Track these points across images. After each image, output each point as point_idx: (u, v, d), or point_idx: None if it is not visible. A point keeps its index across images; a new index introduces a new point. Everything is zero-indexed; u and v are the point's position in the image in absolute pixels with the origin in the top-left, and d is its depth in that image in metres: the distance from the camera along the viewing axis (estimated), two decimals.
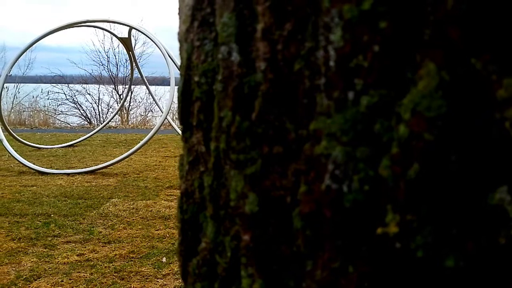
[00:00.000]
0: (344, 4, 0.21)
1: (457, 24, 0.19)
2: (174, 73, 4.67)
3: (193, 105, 0.31)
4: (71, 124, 9.91)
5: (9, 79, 4.87)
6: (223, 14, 0.26)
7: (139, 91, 10.56)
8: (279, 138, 0.24)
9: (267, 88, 0.25)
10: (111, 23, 6.52)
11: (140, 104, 10.82)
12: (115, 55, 11.27)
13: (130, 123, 9.68)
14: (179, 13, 0.33)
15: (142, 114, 10.49)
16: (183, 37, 0.32)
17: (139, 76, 6.91)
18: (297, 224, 0.23)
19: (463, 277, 0.19)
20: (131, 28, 5.41)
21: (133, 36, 6.07)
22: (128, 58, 6.39)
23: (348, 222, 0.22)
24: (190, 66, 0.31)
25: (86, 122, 10.41)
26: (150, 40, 10.20)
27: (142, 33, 4.97)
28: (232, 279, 0.26)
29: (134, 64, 6.38)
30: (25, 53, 4.88)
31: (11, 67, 4.91)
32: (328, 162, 0.22)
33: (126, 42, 5.93)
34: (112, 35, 7.93)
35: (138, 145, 4.33)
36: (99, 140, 6.35)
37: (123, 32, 6.88)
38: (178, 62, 4.48)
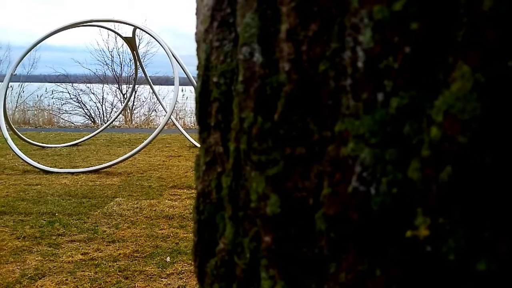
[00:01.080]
0: (374, 5, 0.21)
1: (494, 26, 0.18)
2: (178, 73, 4.68)
3: (211, 105, 0.30)
4: (75, 123, 9.95)
5: (13, 78, 4.89)
6: (246, 15, 0.26)
7: (143, 90, 10.58)
8: (302, 139, 0.24)
9: (291, 89, 0.24)
10: (115, 23, 6.54)
11: (144, 104, 10.85)
12: (119, 55, 11.31)
13: (133, 122, 9.70)
14: (196, 14, 0.33)
15: (146, 113, 10.51)
16: (202, 38, 0.32)
17: (143, 75, 6.92)
18: (321, 226, 0.23)
19: (495, 281, 0.18)
20: (135, 27, 5.42)
21: (137, 35, 6.08)
22: (132, 58, 6.41)
23: (376, 225, 0.21)
24: (208, 67, 0.31)
25: (90, 121, 10.45)
26: (153, 40, 10.22)
27: (147, 32, 4.98)
28: (250, 281, 0.26)
29: (138, 64, 6.39)
30: (29, 52, 4.90)
31: (16, 66, 4.93)
32: (355, 164, 0.22)
33: (131, 42, 5.94)
34: (116, 35, 7.95)
35: (142, 144, 4.34)
36: (103, 140, 6.37)
37: (127, 32, 6.89)
38: (182, 62, 4.49)
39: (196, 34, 0.33)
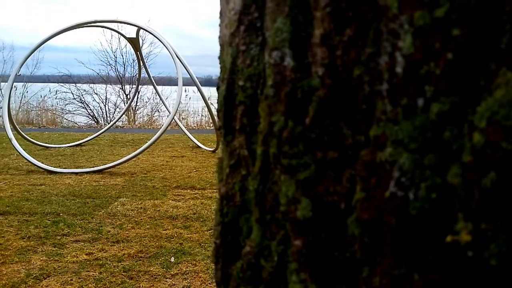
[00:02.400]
0: (415, 11, 0.21)
1: None
2: (182, 73, 4.68)
3: (236, 109, 0.30)
4: (79, 124, 9.97)
5: (17, 78, 4.91)
6: (277, 20, 0.26)
7: (146, 91, 10.61)
8: (334, 144, 0.24)
9: (325, 94, 0.24)
10: (118, 23, 6.55)
11: (147, 104, 10.87)
12: (122, 55, 11.34)
13: (137, 123, 9.72)
14: (221, 17, 0.33)
15: (149, 114, 10.53)
16: (227, 41, 0.32)
17: (146, 76, 6.93)
18: (354, 230, 0.23)
19: None
20: (139, 28, 5.43)
21: (140, 36, 6.09)
22: (136, 58, 6.42)
23: (414, 230, 0.21)
24: (234, 70, 0.31)
25: (93, 122, 10.48)
26: (157, 41, 10.22)
27: (151, 33, 4.99)
28: (277, 284, 0.26)
29: (142, 64, 6.40)
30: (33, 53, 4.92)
31: (20, 67, 4.95)
32: (393, 169, 0.22)
33: (134, 42, 5.95)
34: (120, 35, 7.98)
35: (146, 144, 4.34)
36: (107, 140, 6.39)
37: (130, 32, 6.91)
38: (186, 62, 4.50)
39: (220, 37, 0.33)
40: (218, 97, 0.33)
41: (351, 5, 0.23)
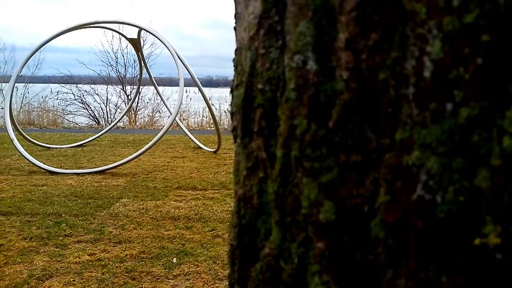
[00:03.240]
0: (444, 17, 0.21)
1: None
2: (183, 74, 4.69)
3: (255, 111, 0.31)
4: (80, 124, 9.98)
5: (18, 79, 4.91)
6: (299, 23, 0.26)
7: (147, 91, 10.62)
8: (358, 147, 0.24)
9: (350, 97, 0.25)
10: (120, 24, 6.56)
11: (148, 105, 10.88)
12: (123, 56, 11.35)
13: (137, 123, 9.73)
14: (238, 21, 0.33)
15: (150, 114, 10.54)
16: (246, 45, 0.32)
17: (147, 76, 6.94)
18: (378, 233, 0.23)
19: None
20: (140, 29, 5.43)
21: (141, 37, 6.10)
22: (137, 59, 6.43)
23: (441, 232, 0.21)
24: (253, 74, 0.31)
25: (94, 122, 10.49)
26: (157, 41, 10.22)
27: (152, 34, 4.99)
28: (297, 285, 0.26)
29: (143, 65, 6.41)
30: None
31: (22, 68, 4.95)
32: (420, 172, 0.22)
33: (136, 43, 5.96)
34: (121, 36, 7.99)
35: (148, 145, 4.35)
36: (108, 140, 6.39)
37: (131, 33, 6.92)
38: (187, 63, 4.50)
39: (237, 41, 0.33)
40: (234, 100, 0.33)
41: (377, 9, 0.23)
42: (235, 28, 0.35)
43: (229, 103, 0.36)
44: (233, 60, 0.35)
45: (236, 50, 0.34)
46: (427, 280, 0.21)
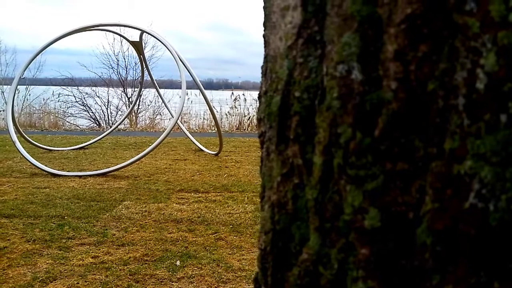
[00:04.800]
0: (498, 31, 0.22)
1: None
2: (185, 76, 4.70)
3: (291, 119, 0.31)
4: (81, 127, 9.99)
5: (20, 81, 4.92)
6: (344, 34, 0.27)
7: (148, 94, 10.64)
8: (404, 155, 0.25)
9: (398, 107, 0.25)
10: (121, 27, 6.58)
11: (149, 107, 10.90)
12: (124, 58, 11.37)
13: (138, 126, 9.74)
14: (272, 30, 0.34)
15: (151, 117, 10.55)
16: (283, 54, 0.32)
17: (148, 79, 6.95)
18: (425, 239, 0.24)
19: None
20: (142, 32, 5.45)
21: (142, 39, 6.11)
22: (139, 62, 6.44)
23: (493, 239, 0.22)
24: (290, 82, 0.31)
25: (95, 125, 10.50)
26: (158, 44, 10.23)
27: (154, 37, 5.00)
28: None
29: (144, 67, 6.42)
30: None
31: (24, 70, 4.96)
32: (473, 181, 0.23)
33: (137, 46, 5.97)
34: (122, 38, 8.00)
35: (150, 147, 4.35)
36: (109, 143, 6.40)
37: (133, 35, 6.95)
38: (189, 66, 4.50)
39: (271, 49, 0.34)
40: (263, 106, 0.34)
41: (427, 22, 0.24)
42: (264, 36, 0.35)
43: (256, 110, 0.36)
44: (262, 67, 0.35)
45: (266, 58, 0.35)
46: (478, 285, 0.22)
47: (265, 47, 0.36)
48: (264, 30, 0.36)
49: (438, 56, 0.24)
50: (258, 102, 0.36)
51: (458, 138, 0.23)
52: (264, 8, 0.36)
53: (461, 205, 0.23)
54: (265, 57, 0.36)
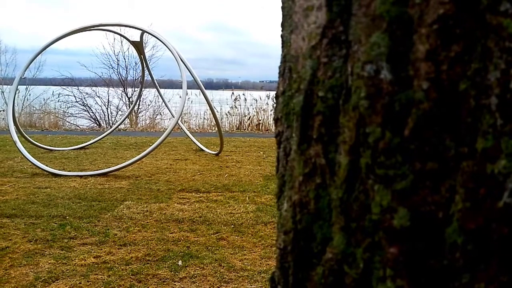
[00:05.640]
0: None
1: None
2: (186, 76, 4.70)
3: (314, 119, 0.31)
4: (81, 126, 9.99)
5: (20, 81, 4.91)
6: (372, 34, 0.27)
7: (148, 94, 10.63)
8: (434, 155, 0.25)
9: (430, 107, 0.25)
10: (122, 27, 6.58)
11: (149, 107, 10.90)
12: (124, 58, 11.37)
13: (139, 125, 9.73)
14: (294, 30, 0.34)
15: (151, 117, 10.55)
16: (306, 54, 0.32)
17: (149, 79, 6.95)
18: (456, 238, 0.24)
19: None
20: (143, 32, 5.45)
21: (143, 39, 6.11)
22: (140, 61, 6.44)
23: None
24: (313, 82, 0.31)
25: (96, 125, 10.50)
26: (158, 44, 10.21)
27: (155, 36, 5.00)
28: None
29: (145, 68, 6.42)
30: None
31: (25, 70, 4.96)
32: (507, 181, 0.23)
33: (138, 46, 5.97)
34: (123, 38, 8.00)
35: (151, 147, 4.35)
36: (110, 143, 6.39)
37: (133, 35, 6.95)
38: (190, 66, 4.50)
39: (292, 49, 0.34)
40: (288, 107, 0.34)
41: (459, 23, 0.24)
42: (282, 36, 0.35)
43: (272, 110, 0.36)
44: (279, 67, 0.35)
45: (285, 58, 0.35)
46: (510, 284, 0.22)
47: (282, 47, 0.36)
48: (282, 30, 0.36)
49: (470, 56, 0.24)
50: (275, 102, 0.36)
51: (491, 137, 0.23)
52: (283, 8, 0.36)
53: (494, 205, 0.23)
54: (283, 57, 0.36)
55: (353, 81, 0.28)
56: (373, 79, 0.27)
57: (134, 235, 2.75)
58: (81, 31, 5.02)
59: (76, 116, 10.87)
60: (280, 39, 0.36)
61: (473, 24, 0.24)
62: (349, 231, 0.28)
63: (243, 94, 9.91)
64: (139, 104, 10.23)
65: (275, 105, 0.36)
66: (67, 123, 10.32)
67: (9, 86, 4.99)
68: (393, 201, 0.26)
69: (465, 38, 0.24)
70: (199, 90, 5.28)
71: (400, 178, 0.26)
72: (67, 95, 10.90)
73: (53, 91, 10.73)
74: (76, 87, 11.07)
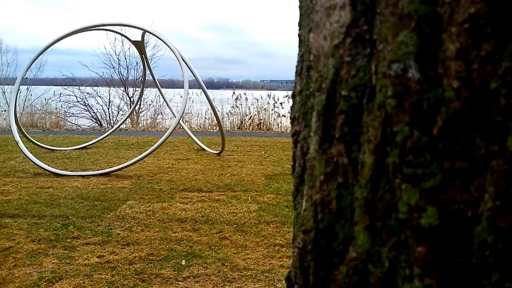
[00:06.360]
0: None
1: None
2: (188, 76, 4.70)
3: (336, 118, 0.31)
4: (82, 126, 10.00)
5: (22, 81, 4.92)
6: (399, 33, 0.27)
7: (149, 93, 10.64)
8: (464, 153, 0.25)
9: (460, 105, 0.25)
10: (123, 27, 6.58)
11: (150, 107, 10.90)
12: (125, 58, 11.37)
13: (140, 125, 9.74)
14: (315, 30, 0.34)
15: (152, 116, 10.55)
16: (328, 53, 0.32)
17: (150, 79, 6.95)
18: (485, 237, 0.24)
19: None
20: (144, 31, 5.45)
21: (144, 39, 6.11)
22: (141, 61, 6.44)
23: None
24: (336, 81, 0.31)
25: (97, 124, 10.51)
26: (160, 44, 10.21)
27: (157, 36, 5.00)
28: None
29: (147, 67, 6.42)
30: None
31: (27, 70, 4.96)
32: None
33: (140, 46, 5.97)
34: (124, 38, 8.01)
35: (153, 147, 4.35)
36: (111, 143, 6.40)
37: (134, 35, 6.96)
38: (192, 65, 4.50)
39: (313, 48, 0.34)
40: (314, 106, 0.34)
41: (490, 22, 0.24)
42: (299, 35, 0.35)
43: (288, 110, 0.36)
44: (296, 66, 0.35)
45: (302, 57, 0.35)
46: None
47: (299, 46, 0.36)
48: (299, 30, 0.36)
49: (501, 55, 0.24)
50: (291, 101, 0.36)
51: None
52: (300, 7, 0.36)
53: None
54: (301, 56, 0.36)
55: (377, 80, 0.28)
56: (400, 78, 0.27)
57: (137, 235, 2.76)
58: (84, 31, 5.02)
59: (77, 116, 10.88)
60: (298, 38, 0.36)
61: (504, 23, 0.24)
62: (374, 230, 0.28)
63: (244, 94, 9.90)
64: (140, 104, 10.23)
65: (291, 104, 0.36)
66: (69, 123, 10.33)
67: (10, 86, 5.00)
68: (421, 200, 0.26)
69: (496, 37, 0.24)
70: (200, 90, 5.29)
71: (429, 177, 0.26)
72: (68, 95, 10.91)
73: (54, 91, 10.74)
74: (77, 87, 11.08)
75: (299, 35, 0.36)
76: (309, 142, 0.34)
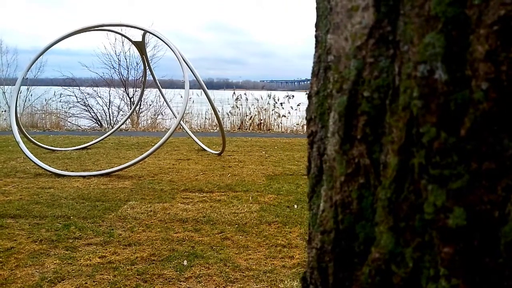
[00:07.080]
0: None
1: None
2: (188, 76, 4.69)
3: (358, 119, 0.31)
4: (82, 127, 9.99)
5: (22, 82, 4.91)
6: (426, 35, 0.27)
7: (149, 94, 10.63)
8: (491, 154, 0.25)
9: (489, 107, 0.25)
10: (123, 27, 6.59)
11: (150, 107, 10.90)
12: (126, 58, 11.37)
13: (140, 125, 9.74)
14: (335, 31, 0.34)
15: (152, 117, 10.55)
16: (350, 54, 0.32)
17: (150, 79, 6.95)
18: None
19: None
20: (145, 32, 5.45)
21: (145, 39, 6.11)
22: (141, 61, 6.44)
23: None
24: (358, 82, 0.31)
25: (97, 125, 10.51)
26: (160, 44, 10.21)
27: (157, 36, 5.00)
28: None
29: (147, 68, 6.42)
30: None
31: (27, 71, 4.96)
32: None
33: (140, 46, 5.97)
34: (124, 38, 8.00)
35: (154, 147, 4.35)
36: (112, 143, 6.39)
37: (134, 35, 6.95)
38: (192, 66, 4.49)
39: (333, 49, 0.34)
40: (337, 108, 0.33)
41: None
42: (316, 37, 0.35)
43: (301, 111, 0.36)
44: (313, 67, 0.35)
45: (319, 58, 0.35)
46: None
47: (316, 47, 0.36)
48: (316, 31, 0.36)
49: None
50: (307, 102, 0.36)
51: None
52: (317, 9, 0.36)
53: None
54: (318, 57, 0.36)
55: (401, 81, 0.28)
56: (427, 79, 0.27)
57: (138, 235, 2.75)
58: (84, 31, 5.02)
59: (77, 117, 10.88)
60: (315, 39, 0.36)
61: None
62: (397, 230, 0.28)
63: (244, 94, 9.90)
64: (140, 104, 10.23)
65: (307, 105, 0.36)
66: (69, 123, 10.32)
67: (11, 86, 5.00)
68: (448, 200, 0.26)
69: None
70: (200, 90, 5.29)
71: (456, 178, 0.26)
72: (68, 95, 10.91)
73: (54, 92, 10.73)
74: (77, 88, 11.08)
75: (316, 36, 0.36)
76: (326, 143, 0.34)
